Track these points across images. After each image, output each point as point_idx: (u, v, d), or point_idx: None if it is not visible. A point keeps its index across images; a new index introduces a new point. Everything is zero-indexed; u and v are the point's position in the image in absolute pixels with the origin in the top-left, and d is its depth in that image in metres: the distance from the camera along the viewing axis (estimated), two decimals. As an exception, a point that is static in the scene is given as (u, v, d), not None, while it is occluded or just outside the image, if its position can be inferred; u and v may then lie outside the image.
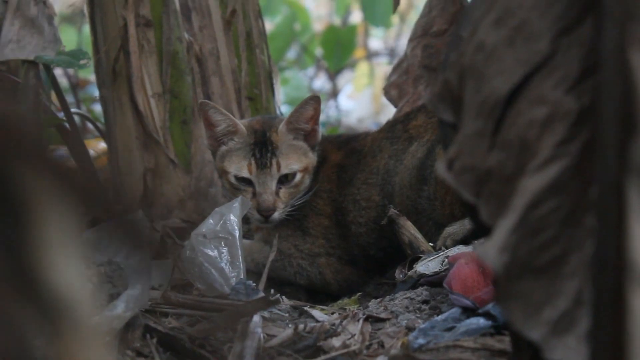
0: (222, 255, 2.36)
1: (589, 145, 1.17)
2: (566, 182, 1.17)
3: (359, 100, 6.83)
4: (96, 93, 3.25)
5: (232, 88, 3.07)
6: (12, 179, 0.67)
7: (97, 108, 5.22)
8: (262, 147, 2.59)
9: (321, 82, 7.44)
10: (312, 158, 2.67)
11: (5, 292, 0.52)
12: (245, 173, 2.58)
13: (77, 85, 5.28)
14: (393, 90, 3.10)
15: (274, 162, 2.57)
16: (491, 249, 1.14)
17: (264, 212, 2.55)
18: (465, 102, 1.29)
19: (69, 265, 0.62)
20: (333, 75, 7.05)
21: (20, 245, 0.62)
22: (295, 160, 2.61)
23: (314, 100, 2.60)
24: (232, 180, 2.61)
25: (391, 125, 2.78)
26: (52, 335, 0.55)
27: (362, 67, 6.99)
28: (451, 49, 1.46)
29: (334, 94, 7.01)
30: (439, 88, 1.34)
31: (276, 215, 2.58)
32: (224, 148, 2.64)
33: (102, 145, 4.09)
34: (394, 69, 3.16)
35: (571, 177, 1.17)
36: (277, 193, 2.59)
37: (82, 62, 2.83)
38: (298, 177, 2.61)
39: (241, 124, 2.64)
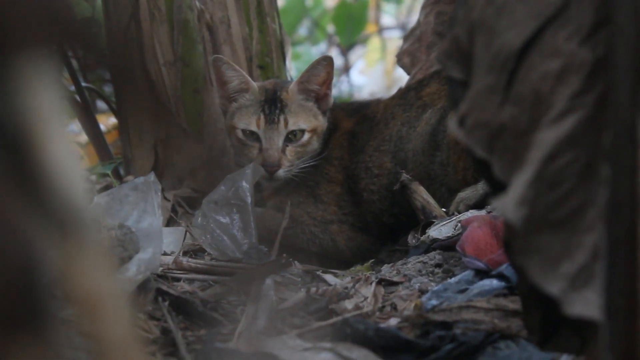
0: (234, 222, 2.35)
1: (604, 96, 1.16)
2: (582, 135, 1.15)
3: (371, 76, 6.81)
4: (107, 75, 3.25)
5: (244, 56, 3.06)
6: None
7: (108, 89, 5.22)
8: (272, 104, 2.59)
9: (333, 58, 7.39)
10: (322, 121, 2.66)
11: (10, 195, 0.52)
12: (253, 127, 2.58)
13: (87, 67, 5.26)
14: (406, 57, 3.08)
15: (281, 118, 2.58)
16: (509, 203, 1.12)
17: (268, 168, 2.55)
18: (476, 57, 1.27)
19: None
20: (345, 50, 7.02)
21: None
22: (304, 120, 2.61)
23: (326, 61, 2.60)
24: (240, 135, 2.61)
25: (404, 92, 2.76)
26: (59, 246, 0.55)
27: (374, 42, 6.95)
28: (459, 5, 1.44)
29: (346, 69, 6.98)
30: (448, 45, 1.33)
31: (281, 172, 2.57)
32: (234, 105, 2.65)
33: (113, 120, 4.09)
34: (407, 37, 3.14)
35: (587, 129, 1.16)
36: (283, 150, 2.58)
37: (92, 30, 2.81)
38: (306, 137, 2.61)
39: (253, 82, 2.64)
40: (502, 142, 1.21)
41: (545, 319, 1.29)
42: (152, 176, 1.83)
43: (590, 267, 1.13)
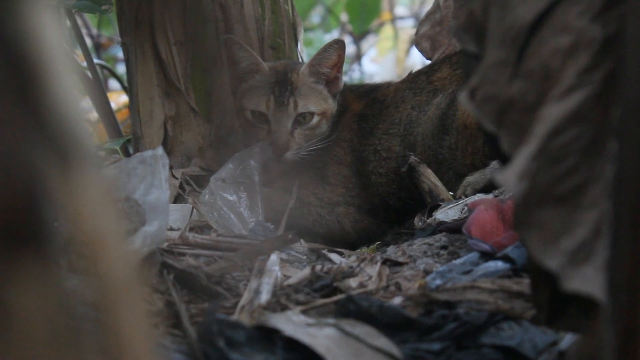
0: (241, 199, 2.36)
1: (612, 74, 1.15)
2: (588, 111, 1.15)
3: (382, 64, 6.80)
4: (120, 54, 3.25)
5: (255, 37, 3.05)
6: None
7: (120, 68, 5.23)
8: (282, 86, 2.59)
9: (345, 41, 7.38)
10: (331, 105, 2.66)
11: (12, 114, 0.52)
12: (262, 108, 2.58)
13: (100, 46, 5.28)
14: (425, 42, 3.06)
15: (291, 101, 2.57)
16: (511, 175, 1.12)
17: (276, 150, 2.54)
18: (489, 31, 1.27)
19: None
20: (357, 38, 7.00)
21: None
22: (314, 103, 2.60)
23: (338, 45, 2.60)
24: (249, 116, 2.61)
25: (414, 76, 2.76)
26: (61, 175, 0.55)
27: (387, 31, 6.94)
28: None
29: (358, 57, 6.97)
30: (464, 19, 1.32)
31: (289, 155, 2.57)
32: (244, 85, 2.65)
33: (124, 98, 4.10)
34: (423, 21, 3.12)
35: (593, 107, 1.15)
36: (292, 133, 2.58)
37: (103, 7, 2.82)
38: (315, 119, 2.60)
39: (264, 63, 2.64)
40: (511, 116, 1.20)
41: (553, 297, 1.29)
42: (160, 150, 1.83)
43: (590, 243, 1.13)
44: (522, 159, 1.13)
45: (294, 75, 2.62)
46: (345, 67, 2.70)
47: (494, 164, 2.35)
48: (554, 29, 1.19)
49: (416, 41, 3.12)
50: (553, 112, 1.15)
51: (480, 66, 1.26)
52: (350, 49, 7.10)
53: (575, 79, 1.17)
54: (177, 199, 2.74)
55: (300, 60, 3.19)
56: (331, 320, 1.55)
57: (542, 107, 1.17)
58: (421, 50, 3.11)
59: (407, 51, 6.52)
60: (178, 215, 2.37)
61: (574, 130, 1.14)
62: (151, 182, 1.80)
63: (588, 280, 1.12)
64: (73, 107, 0.55)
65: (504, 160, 1.23)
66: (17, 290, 0.51)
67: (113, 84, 5.29)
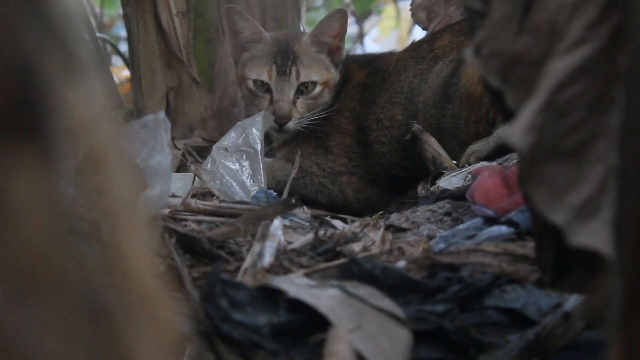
0: (244, 168, 2.35)
1: (619, 28, 1.14)
2: (594, 66, 1.14)
3: (384, 44, 6.78)
4: (123, 33, 3.25)
5: (257, 8, 3.04)
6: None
7: (124, 47, 5.22)
8: (284, 55, 2.58)
9: (347, 25, 7.36)
10: (333, 74, 2.65)
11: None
12: (264, 77, 2.57)
13: (103, 25, 5.26)
14: (420, 12, 3.05)
15: (293, 70, 2.57)
16: (517, 129, 1.11)
17: (278, 120, 2.54)
18: (494, -13, 1.25)
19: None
20: (359, 18, 6.98)
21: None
22: (316, 72, 2.60)
23: (341, 14, 2.59)
24: (251, 85, 2.60)
25: (416, 45, 2.75)
26: (60, 72, 0.54)
27: (389, 10, 6.92)
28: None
29: (360, 37, 6.95)
30: (468, -24, 1.31)
31: (291, 124, 2.56)
32: (246, 55, 2.64)
33: (126, 73, 4.09)
34: (420, -10, 3.10)
35: (600, 61, 1.14)
36: (294, 102, 2.57)
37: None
38: (317, 89, 2.60)
39: (266, 33, 2.63)
40: (516, 73, 1.19)
41: (557, 259, 1.29)
42: (162, 114, 1.82)
43: (596, 199, 1.12)
44: (527, 113, 1.12)
45: (296, 45, 2.61)
46: (347, 46, 2.70)
47: (498, 131, 2.34)
48: (560, -17, 1.18)
49: (412, 11, 3.11)
50: (559, 67, 1.14)
51: (486, 22, 1.24)
52: (352, 28, 7.08)
53: (581, 33, 1.15)
54: (180, 169, 2.74)
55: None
56: (335, 282, 1.54)
57: (547, 62, 1.16)
58: (417, 21, 3.10)
59: (410, 30, 6.50)
60: (180, 184, 2.37)
61: (580, 85, 1.13)
62: (153, 147, 1.80)
63: (594, 235, 1.11)
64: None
65: (509, 117, 1.22)
66: (15, 179, 0.50)
67: (116, 62, 5.28)
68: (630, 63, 1.00)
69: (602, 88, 1.14)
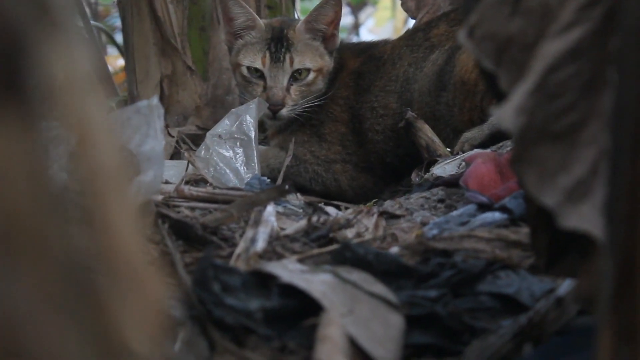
0: (238, 156, 2.35)
1: (611, 12, 1.14)
2: (587, 48, 1.13)
3: (380, 35, 6.78)
4: (118, 23, 3.24)
5: (252, -5, 3.03)
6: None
7: (119, 38, 5.20)
8: (278, 42, 2.58)
9: (342, 15, 7.36)
10: (327, 61, 2.65)
11: None
12: (258, 64, 2.57)
13: (98, 14, 5.25)
14: (410, 1, 3.05)
15: (287, 57, 2.56)
16: (508, 111, 1.11)
17: (272, 107, 2.54)
18: (487, -31, 1.25)
19: None
20: (355, 9, 6.99)
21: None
22: (310, 59, 2.60)
23: (335, 2, 2.59)
24: (245, 72, 2.60)
25: (412, 33, 2.75)
26: (42, 32, 0.53)
27: (384, 1, 6.92)
28: None
29: (356, 27, 6.95)
30: (461, -41, 1.31)
31: (284, 111, 2.57)
32: (240, 42, 2.64)
33: (121, 62, 4.08)
34: (409, -20, 3.10)
35: (592, 44, 1.14)
36: (287, 89, 2.57)
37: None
38: (311, 76, 2.60)
39: (260, 20, 2.63)
40: (509, 55, 1.19)
41: (552, 243, 1.28)
42: (155, 99, 1.81)
43: (588, 181, 1.12)
44: (519, 94, 1.12)
45: (290, 32, 2.61)
46: (342, 37, 2.70)
47: (492, 119, 2.34)
48: (554, -35, 1.17)
49: (402, 0, 3.11)
50: (551, 49, 1.14)
51: (479, 5, 1.24)
52: (348, 19, 7.08)
53: (574, 15, 1.15)
54: (174, 157, 2.73)
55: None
56: (327, 267, 1.54)
57: (540, 44, 1.16)
58: (406, 10, 3.10)
59: (405, 21, 6.50)
60: (174, 172, 2.36)
61: (573, 67, 1.13)
62: (146, 132, 1.79)
63: (585, 218, 1.11)
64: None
65: (503, 99, 1.21)
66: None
67: (112, 52, 5.27)
68: (622, 44, 1.00)
69: (595, 70, 1.13)
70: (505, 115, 1.11)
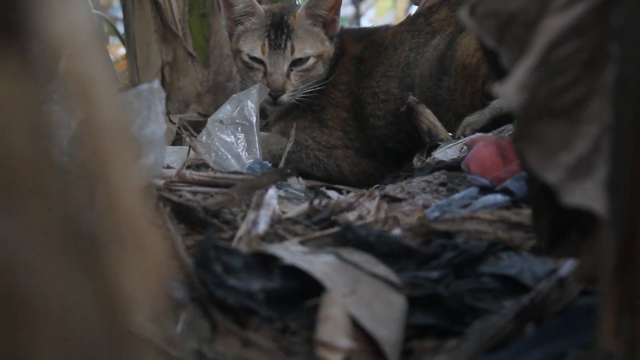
0: (239, 141, 2.34)
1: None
2: (589, 24, 1.13)
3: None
4: (120, 14, 3.24)
5: (252, -18, 3.02)
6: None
7: (120, 29, 5.20)
8: (278, 29, 2.58)
9: (344, 6, 7.36)
10: (328, 47, 2.65)
11: None
12: (257, 53, 2.57)
13: (99, 6, 5.25)
14: (414, -12, 3.04)
15: (288, 44, 2.56)
16: (510, 87, 1.10)
17: (272, 93, 2.54)
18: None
19: None
20: (356, -1, 6.99)
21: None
22: (310, 45, 2.60)
23: None
24: (245, 58, 2.60)
25: (413, 18, 2.74)
26: None
27: (386, -9, 6.93)
28: None
29: (357, 17, 6.94)
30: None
31: (284, 97, 2.56)
32: (240, 28, 2.63)
33: (122, 51, 4.08)
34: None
35: (594, 20, 1.13)
36: (288, 75, 2.57)
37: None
38: (311, 61, 2.60)
39: (259, 6, 2.62)
40: (511, 32, 1.19)
41: (554, 224, 1.28)
42: (156, 83, 1.81)
43: (590, 158, 1.11)
44: (521, 71, 1.12)
45: (290, 18, 2.61)
46: (343, 27, 2.70)
47: (494, 103, 2.34)
48: (555, -59, 1.17)
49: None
50: (553, 25, 1.13)
51: (480, -18, 1.24)
52: (348, 9, 7.06)
53: (576, -9, 1.14)
54: (175, 144, 2.73)
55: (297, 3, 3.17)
56: (329, 249, 1.54)
57: (542, 20, 1.16)
58: (410, -4, 3.10)
59: (406, 11, 6.50)
60: (175, 157, 2.36)
61: (575, 43, 1.12)
62: (147, 116, 1.79)
63: (587, 195, 1.10)
64: None
65: (504, 77, 1.21)
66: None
67: (112, 41, 5.26)
68: (624, 18, 0.99)
69: (597, 46, 1.13)
70: (507, 92, 1.10)
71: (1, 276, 0.49)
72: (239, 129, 2.37)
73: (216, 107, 2.84)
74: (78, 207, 0.53)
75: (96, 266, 0.52)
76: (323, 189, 2.15)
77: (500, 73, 1.22)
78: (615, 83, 0.99)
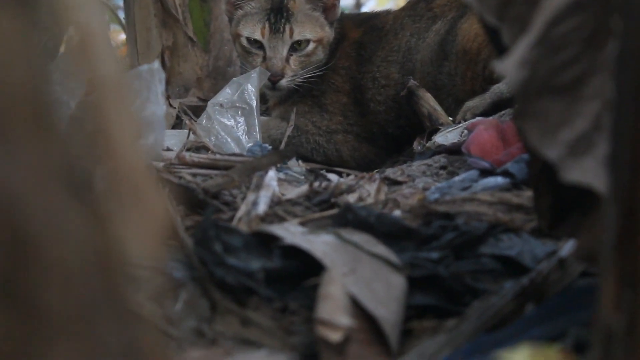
0: (239, 124, 2.34)
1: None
2: (590, 1, 1.13)
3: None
4: (120, 2, 3.23)
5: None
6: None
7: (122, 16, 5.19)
8: (278, 12, 2.58)
9: (344, -3, 7.35)
10: (328, 32, 2.65)
11: None
12: (257, 35, 2.57)
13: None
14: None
15: (287, 28, 2.56)
16: (510, 64, 1.10)
17: (271, 77, 2.53)
18: None
19: None
20: (357, -11, 6.96)
21: None
22: (310, 30, 2.59)
23: None
24: (244, 43, 2.60)
25: (414, 3, 2.74)
26: None
27: (386, -18, 6.90)
28: None
29: (357, 8, 6.93)
30: None
31: (284, 82, 2.56)
32: (240, 12, 2.63)
33: (122, 37, 4.07)
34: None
35: (595, -3, 1.13)
36: (287, 60, 2.57)
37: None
38: (311, 46, 2.59)
39: None
40: (512, 9, 1.18)
41: (554, 204, 1.28)
42: (156, 64, 1.80)
43: (590, 135, 1.11)
44: (522, 47, 1.11)
45: (290, 2, 2.60)
46: (344, 12, 2.69)
47: (494, 88, 2.33)
48: None
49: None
50: (554, 1, 1.13)
51: (481, -40, 1.23)
52: (349, 0, 7.05)
53: (577, -32, 1.14)
54: (175, 127, 2.73)
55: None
56: (329, 229, 1.54)
57: (544, -2, 1.15)
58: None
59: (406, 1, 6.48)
60: (175, 141, 2.36)
61: (575, 20, 1.12)
62: (147, 97, 1.78)
63: (588, 172, 1.10)
64: None
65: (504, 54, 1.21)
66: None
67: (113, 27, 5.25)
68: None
69: (598, 23, 1.13)
70: (507, 68, 1.10)
71: (3, 213, 0.49)
72: (239, 112, 2.37)
73: (216, 92, 2.84)
74: (78, 154, 0.53)
75: (95, 216, 0.52)
76: (323, 171, 2.14)
77: (501, 51, 1.22)
78: (616, 57, 0.99)
